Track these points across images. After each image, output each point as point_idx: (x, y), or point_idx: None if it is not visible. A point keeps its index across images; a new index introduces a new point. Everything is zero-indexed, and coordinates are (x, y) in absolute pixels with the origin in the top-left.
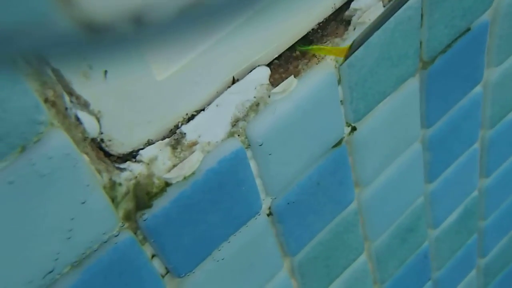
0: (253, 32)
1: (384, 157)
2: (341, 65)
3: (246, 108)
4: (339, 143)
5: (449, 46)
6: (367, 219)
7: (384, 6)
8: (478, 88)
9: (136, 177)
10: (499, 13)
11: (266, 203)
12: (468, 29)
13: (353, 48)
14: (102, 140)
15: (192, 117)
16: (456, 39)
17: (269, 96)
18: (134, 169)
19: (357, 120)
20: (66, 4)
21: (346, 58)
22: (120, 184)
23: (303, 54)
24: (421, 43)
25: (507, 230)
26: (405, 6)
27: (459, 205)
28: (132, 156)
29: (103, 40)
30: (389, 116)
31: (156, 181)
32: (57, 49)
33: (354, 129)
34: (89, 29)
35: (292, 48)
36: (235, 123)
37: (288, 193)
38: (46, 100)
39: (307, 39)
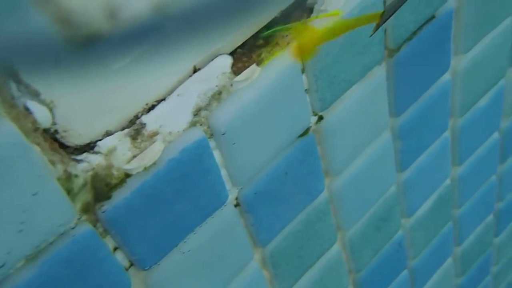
0: (215, 20)
1: (354, 146)
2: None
3: (208, 97)
4: (306, 132)
5: (414, 33)
6: (339, 209)
7: None
8: (446, 76)
9: (94, 168)
10: (464, 0)
11: (232, 193)
12: (433, 17)
13: (385, 16)
14: (56, 131)
15: (152, 107)
16: (421, 26)
17: (231, 85)
18: (92, 160)
19: (324, 109)
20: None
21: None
22: (76, 176)
23: (267, 43)
24: (385, 30)
25: (482, 217)
26: None
27: (433, 194)
28: (90, 147)
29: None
30: (356, 105)
31: (116, 172)
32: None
33: (321, 118)
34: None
35: (255, 37)
36: (197, 112)
37: (255, 183)
38: None
39: (270, 28)
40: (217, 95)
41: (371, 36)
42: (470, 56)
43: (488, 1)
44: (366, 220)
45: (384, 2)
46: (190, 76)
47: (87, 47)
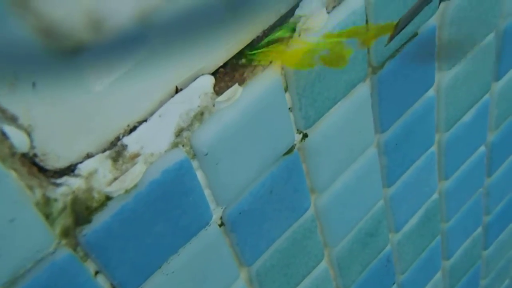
0: (197, 39)
1: (340, 162)
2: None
3: (190, 117)
4: (290, 150)
5: (397, 50)
6: (326, 225)
7: (328, 13)
8: (430, 92)
9: (74, 191)
10: (446, 18)
11: (217, 212)
12: (416, 34)
13: (399, 27)
14: (35, 154)
15: (134, 128)
16: (404, 43)
17: (213, 105)
18: (72, 183)
19: (308, 127)
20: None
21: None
22: (55, 200)
23: (249, 62)
24: (369, 50)
25: (471, 231)
26: (349, 11)
27: (420, 208)
28: (70, 170)
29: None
30: (341, 122)
31: (96, 195)
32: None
33: (305, 136)
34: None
35: (238, 56)
36: (179, 133)
37: (239, 202)
38: None
39: (253, 46)
40: (199, 116)
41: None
42: (454, 72)
43: (470, 17)
44: (353, 236)
45: (366, 21)
46: (172, 96)
47: (69, 60)
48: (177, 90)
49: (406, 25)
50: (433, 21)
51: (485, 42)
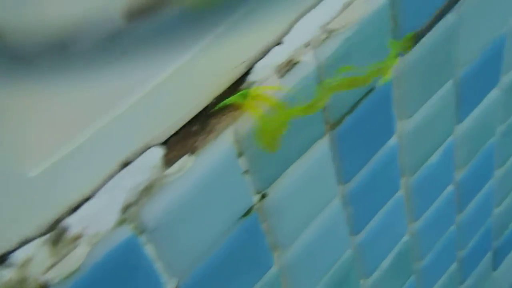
0: (144, 111)
1: (303, 217)
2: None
3: (138, 192)
4: (248, 212)
5: (354, 106)
6: (292, 281)
7: (280, 78)
8: (392, 141)
9: (5, 284)
10: (403, 70)
11: (171, 284)
12: (372, 89)
13: (419, 37)
14: None
15: (76, 208)
16: (360, 99)
17: (163, 178)
18: (3, 275)
19: (266, 187)
20: None
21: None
22: None
23: (201, 129)
24: (324, 109)
25: (445, 267)
26: (301, 75)
27: (391, 251)
28: (2, 260)
29: None
30: (301, 178)
31: (31, 286)
32: None
33: (264, 195)
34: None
35: (189, 124)
36: (126, 209)
37: (195, 271)
38: None
39: (205, 114)
40: (148, 190)
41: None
42: (415, 120)
43: (430, 65)
44: (323, 287)
45: (320, 83)
46: (119, 171)
47: None
48: (124, 164)
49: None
50: (390, 74)
51: (444, 89)
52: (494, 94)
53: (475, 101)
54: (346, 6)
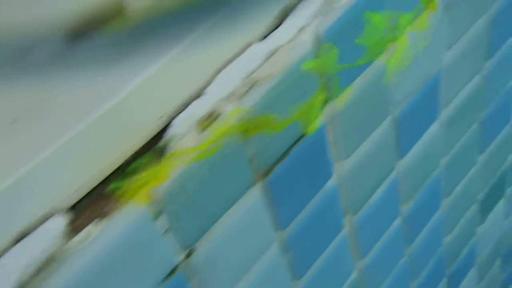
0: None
1: (238, 268)
2: None
3: (38, 267)
4: (172, 272)
5: (286, 153)
6: None
7: (199, 133)
8: (330, 183)
9: None
10: (336, 113)
11: None
12: (304, 134)
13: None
14: None
15: None
16: (291, 146)
17: (68, 248)
18: None
19: (193, 243)
20: None
21: None
22: None
23: (113, 192)
24: (250, 159)
25: None
26: (223, 129)
27: None
28: None
29: None
30: (232, 229)
31: None
32: None
33: (191, 252)
34: None
35: (100, 186)
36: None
37: None
38: None
39: (121, 173)
40: (50, 263)
41: None
42: (353, 160)
43: (364, 105)
44: None
45: (244, 132)
46: (13, 245)
47: None
48: (20, 237)
49: None
50: (322, 118)
51: (382, 127)
52: (434, 127)
53: (415, 136)
54: (270, 55)
